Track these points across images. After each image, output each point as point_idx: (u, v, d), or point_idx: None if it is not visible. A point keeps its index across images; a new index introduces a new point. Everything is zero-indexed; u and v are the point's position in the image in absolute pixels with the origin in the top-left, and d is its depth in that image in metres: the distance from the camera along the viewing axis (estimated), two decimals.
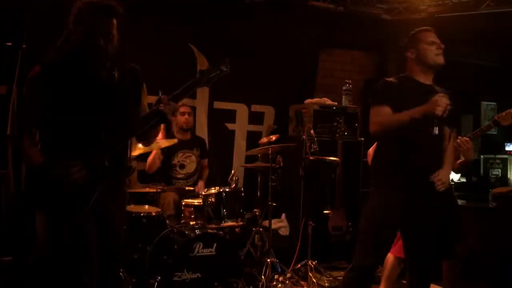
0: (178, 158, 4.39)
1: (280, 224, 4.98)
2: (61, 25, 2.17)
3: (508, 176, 5.94)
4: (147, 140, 2.44)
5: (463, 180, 5.80)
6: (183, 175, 4.41)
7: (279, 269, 4.09)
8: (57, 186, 2.02)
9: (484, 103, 6.76)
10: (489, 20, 5.01)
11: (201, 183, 4.33)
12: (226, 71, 2.24)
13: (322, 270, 4.26)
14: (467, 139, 3.11)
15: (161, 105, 2.13)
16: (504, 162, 5.95)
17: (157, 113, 2.14)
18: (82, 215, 2.05)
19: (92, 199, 2.05)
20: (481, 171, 5.97)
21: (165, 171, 4.31)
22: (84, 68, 2.13)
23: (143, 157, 4.19)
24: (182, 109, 4.42)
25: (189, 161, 4.43)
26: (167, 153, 4.26)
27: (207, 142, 4.86)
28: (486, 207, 4.93)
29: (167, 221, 3.76)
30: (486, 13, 4.98)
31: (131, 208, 3.66)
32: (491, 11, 4.97)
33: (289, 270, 4.15)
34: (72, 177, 2.02)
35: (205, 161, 4.59)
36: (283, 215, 5.00)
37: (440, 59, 2.66)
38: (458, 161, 3.38)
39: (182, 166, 4.39)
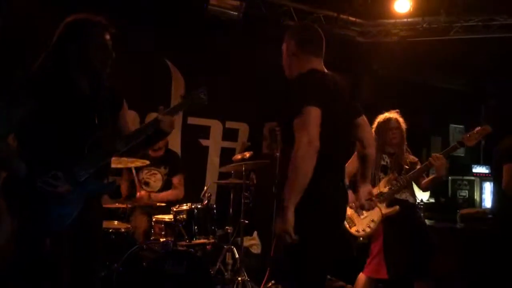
0: (143, 175, 4.20)
1: (252, 242, 4.95)
2: (33, 35, 2.13)
3: (475, 197, 6.08)
4: (134, 154, 2.50)
5: (432, 200, 5.92)
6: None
7: None
8: (40, 198, 1.96)
9: (452, 125, 6.95)
10: (458, 45, 5.21)
11: (154, 195, 4.12)
12: (204, 101, 2.36)
13: None
14: (440, 155, 3.25)
15: (159, 116, 2.22)
16: (471, 184, 6.09)
17: (155, 123, 2.20)
18: (62, 230, 2.00)
19: (73, 215, 2.00)
20: (449, 192, 6.10)
21: (129, 188, 4.19)
22: (70, 84, 2.11)
23: (114, 171, 4.10)
24: None
25: (154, 179, 4.24)
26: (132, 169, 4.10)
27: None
28: (454, 227, 5.04)
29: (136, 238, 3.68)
30: (455, 39, 5.17)
31: None
32: (460, 37, 5.17)
33: None
34: (56, 190, 1.97)
35: (176, 179, 4.33)
36: (255, 233, 4.98)
37: None
38: (428, 178, 3.47)
39: (147, 184, 4.21)
